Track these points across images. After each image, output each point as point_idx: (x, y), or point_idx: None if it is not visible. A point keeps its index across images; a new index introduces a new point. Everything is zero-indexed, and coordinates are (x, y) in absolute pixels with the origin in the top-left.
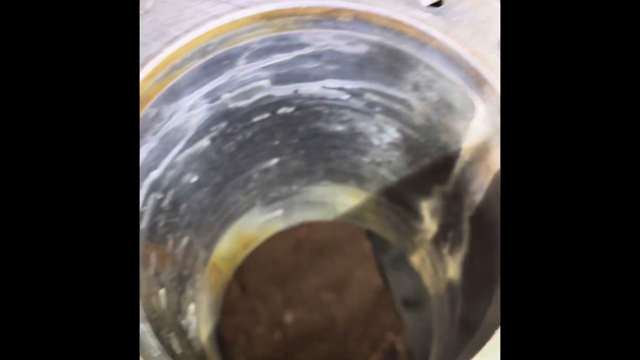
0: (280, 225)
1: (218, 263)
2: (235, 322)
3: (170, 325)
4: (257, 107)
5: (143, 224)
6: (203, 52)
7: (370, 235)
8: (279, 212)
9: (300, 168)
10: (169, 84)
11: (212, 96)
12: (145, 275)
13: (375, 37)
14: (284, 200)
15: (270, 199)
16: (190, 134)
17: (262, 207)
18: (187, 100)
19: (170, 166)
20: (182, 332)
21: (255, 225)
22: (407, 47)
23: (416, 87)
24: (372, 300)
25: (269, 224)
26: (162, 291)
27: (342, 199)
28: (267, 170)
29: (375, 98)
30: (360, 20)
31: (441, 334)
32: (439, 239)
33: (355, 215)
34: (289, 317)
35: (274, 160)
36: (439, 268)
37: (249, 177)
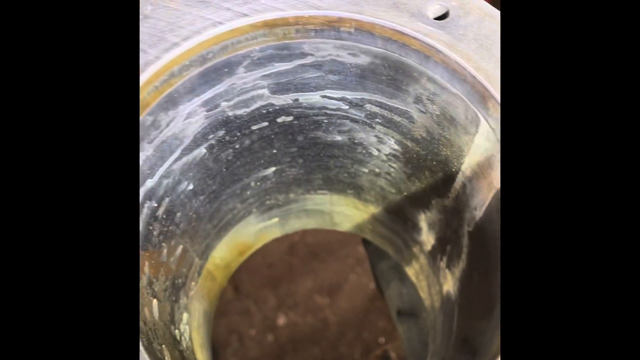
0: (276, 233)
1: (213, 271)
2: (228, 324)
3: (162, 336)
4: (256, 116)
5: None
6: (202, 59)
7: (366, 243)
8: (275, 220)
9: (298, 177)
10: (167, 92)
11: (210, 104)
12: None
13: (378, 49)
14: (281, 209)
15: (267, 206)
16: (187, 142)
17: (258, 215)
18: (185, 108)
19: (166, 174)
20: (174, 343)
21: (251, 232)
22: (410, 60)
23: (418, 100)
24: (365, 305)
25: (265, 231)
26: (155, 302)
27: (339, 208)
28: (264, 179)
29: (376, 109)
30: (363, 31)
31: (436, 348)
32: (437, 251)
33: (352, 224)
34: (282, 320)
35: (272, 169)
36: (435, 281)
37: (247, 185)
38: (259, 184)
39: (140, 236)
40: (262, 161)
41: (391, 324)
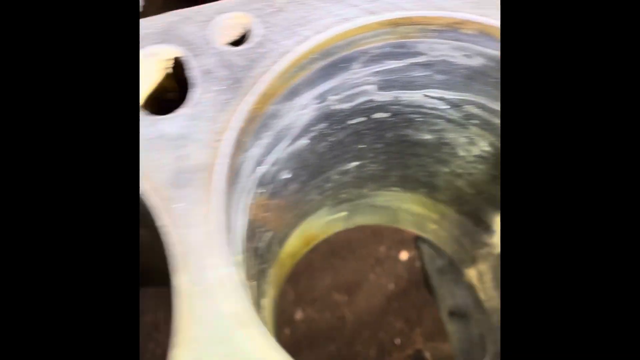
0: (339, 226)
1: (284, 259)
2: None
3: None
4: (357, 111)
5: (248, 217)
6: (327, 54)
7: (418, 240)
8: (344, 213)
9: (376, 172)
10: (293, 83)
11: (321, 97)
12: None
13: (494, 51)
14: (351, 203)
15: (340, 200)
16: (295, 132)
17: (330, 208)
18: (301, 100)
19: (275, 162)
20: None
21: (320, 224)
22: None
23: None
24: (383, 305)
25: (331, 224)
26: (254, 284)
27: (406, 206)
28: (345, 172)
29: (475, 110)
30: (485, 34)
31: (498, 349)
32: None
33: (414, 222)
34: (299, 315)
35: (355, 163)
36: None
37: (328, 177)
38: (339, 177)
39: (248, 222)
40: (349, 155)
41: (408, 325)
